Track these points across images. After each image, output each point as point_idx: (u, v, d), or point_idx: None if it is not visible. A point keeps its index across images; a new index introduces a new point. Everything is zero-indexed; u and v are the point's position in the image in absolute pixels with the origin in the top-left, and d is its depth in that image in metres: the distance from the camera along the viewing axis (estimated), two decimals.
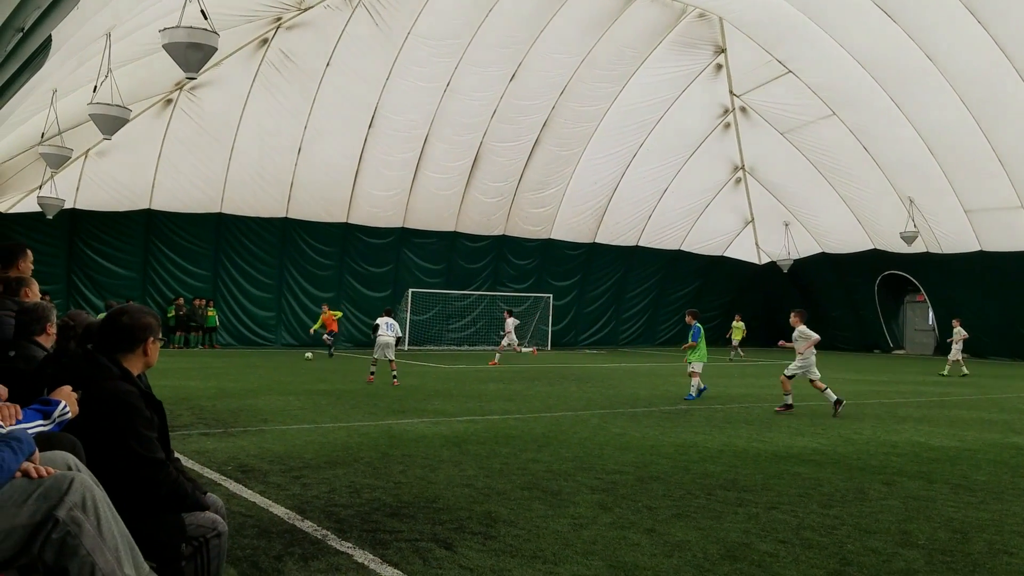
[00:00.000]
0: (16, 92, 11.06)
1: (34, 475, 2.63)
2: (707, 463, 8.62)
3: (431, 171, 29.97)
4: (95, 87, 15.73)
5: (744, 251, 39.55)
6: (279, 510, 6.26)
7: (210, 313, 28.41)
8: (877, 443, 10.32)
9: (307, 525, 5.85)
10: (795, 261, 37.39)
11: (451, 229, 32.15)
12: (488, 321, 33.76)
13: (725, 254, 39.20)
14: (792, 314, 14.49)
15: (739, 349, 30.89)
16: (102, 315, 5.23)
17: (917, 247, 32.57)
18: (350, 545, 5.39)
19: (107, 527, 2.65)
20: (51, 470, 2.68)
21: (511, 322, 25.51)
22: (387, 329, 17.07)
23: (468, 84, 27.95)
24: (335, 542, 5.45)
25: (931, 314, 36.37)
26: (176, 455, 3.89)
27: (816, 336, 13.95)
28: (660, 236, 36.81)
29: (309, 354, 24.46)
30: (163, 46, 12.12)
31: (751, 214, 38.13)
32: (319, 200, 29.11)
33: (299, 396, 14.09)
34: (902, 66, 26.26)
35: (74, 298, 26.08)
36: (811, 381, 13.66)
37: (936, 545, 5.73)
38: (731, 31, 29.73)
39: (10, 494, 2.56)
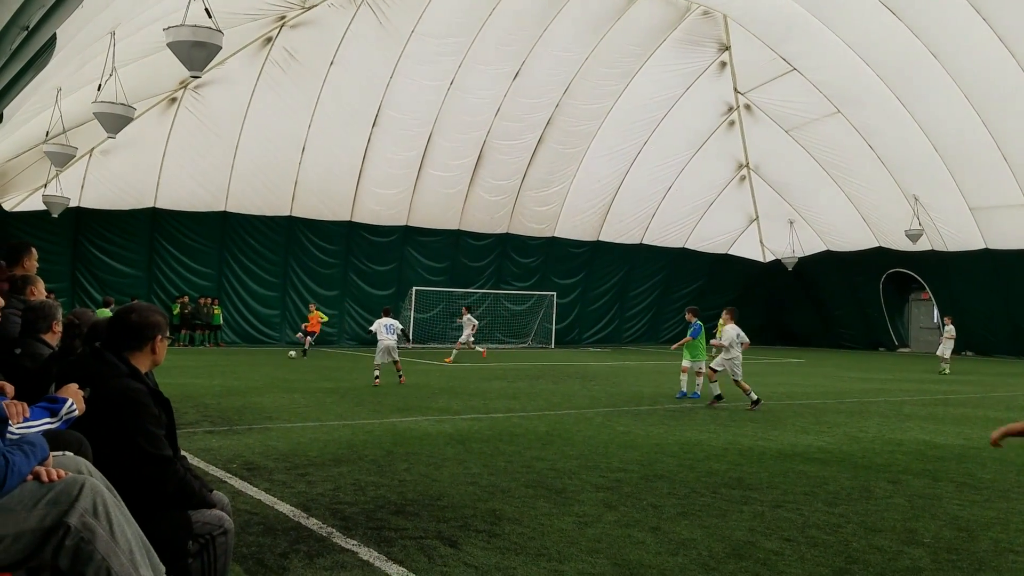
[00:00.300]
0: (21, 91, 11.07)
1: (45, 479, 2.64)
2: (712, 461, 8.61)
3: (435, 169, 29.97)
4: (99, 86, 15.75)
5: (749, 249, 39.50)
6: (284, 508, 6.27)
7: (215, 311, 28.47)
8: (883, 441, 10.30)
9: (312, 523, 5.86)
10: (800, 259, 37.34)
11: (455, 227, 32.15)
12: (492, 319, 33.75)
13: (729, 252, 39.15)
14: (724, 312, 14.33)
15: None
16: (101, 311, 5.22)
17: (922, 245, 32.50)
18: (355, 543, 5.39)
19: (120, 530, 2.65)
20: (63, 473, 2.68)
21: (468, 318, 25.07)
22: (387, 332, 16.45)
23: (472, 82, 27.93)
24: (340, 540, 5.46)
25: (936, 312, 36.30)
26: (183, 453, 3.89)
27: (726, 343, 13.69)
28: (664, 234, 36.76)
29: (292, 352, 23.80)
30: (167, 45, 12.13)
31: (756, 212, 38.08)
32: (323, 198, 29.13)
33: (304, 394, 14.11)
34: (907, 63, 26.19)
35: (79, 296, 26.14)
36: (735, 380, 13.61)
37: (942, 543, 5.72)
38: (735, 28, 29.67)
39: (20, 497, 2.57)
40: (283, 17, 24.18)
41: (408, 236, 31.48)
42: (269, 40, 24.72)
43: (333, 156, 28.08)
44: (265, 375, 17.75)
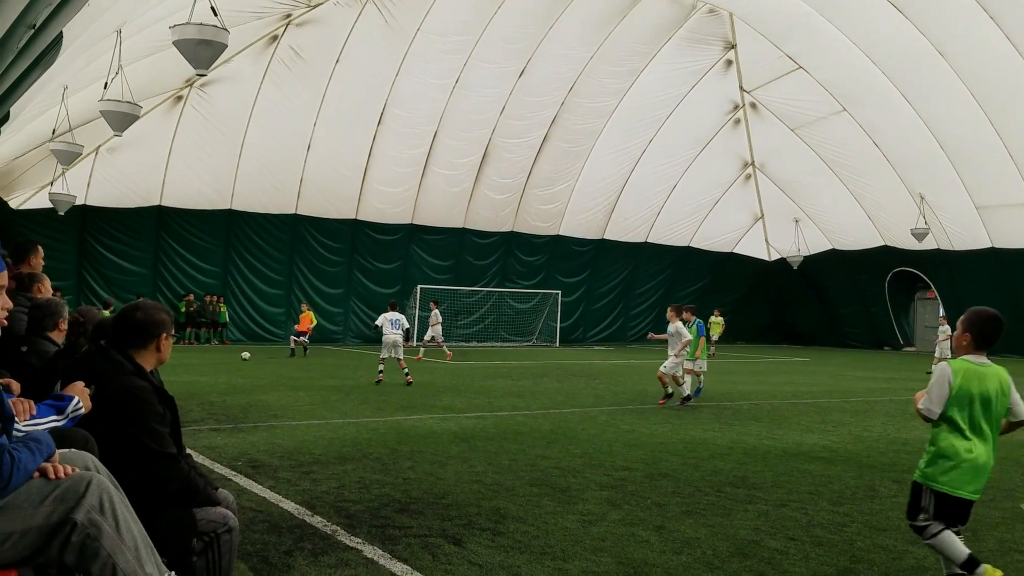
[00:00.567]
0: (27, 89, 11.10)
1: (52, 475, 2.65)
2: (717, 460, 8.61)
3: (440, 167, 29.98)
4: (106, 84, 15.79)
5: (754, 248, 39.43)
6: (289, 505, 6.29)
7: (221, 309, 28.54)
8: (887, 440, 10.29)
9: (317, 520, 5.87)
10: (805, 258, 37.25)
11: (460, 225, 32.16)
12: (497, 317, 33.78)
13: (735, 251, 39.09)
14: (669, 309, 14.12)
15: (713, 347, 29.16)
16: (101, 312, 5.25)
17: (928, 244, 32.42)
18: (359, 540, 5.40)
19: (126, 527, 2.67)
20: (69, 470, 2.69)
21: (436, 314, 24.67)
22: (392, 327, 16.07)
23: (477, 80, 27.92)
24: (345, 537, 5.47)
25: (942, 311, 36.20)
26: (187, 451, 3.91)
27: (689, 338, 13.69)
28: (669, 232, 36.72)
29: (246, 354, 21.80)
30: (173, 43, 12.16)
31: (761, 210, 38.01)
32: (328, 196, 29.15)
33: (308, 392, 14.13)
34: (913, 61, 26.10)
35: (85, 294, 26.22)
36: (673, 377, 13.61)
37: None
38: (741, 27, 29.62)
39: (27, 494, 2.58)
40: (289, 15, 24.20)
41: (413, 234, 31.50)
42: (275, 38, 24.74)
43: (338, 154, 28.10)
44: (270, 373, 17.79)
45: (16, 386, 3.70)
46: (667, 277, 37.58)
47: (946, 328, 24.26)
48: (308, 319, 25.25)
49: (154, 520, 3.18)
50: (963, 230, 31.71)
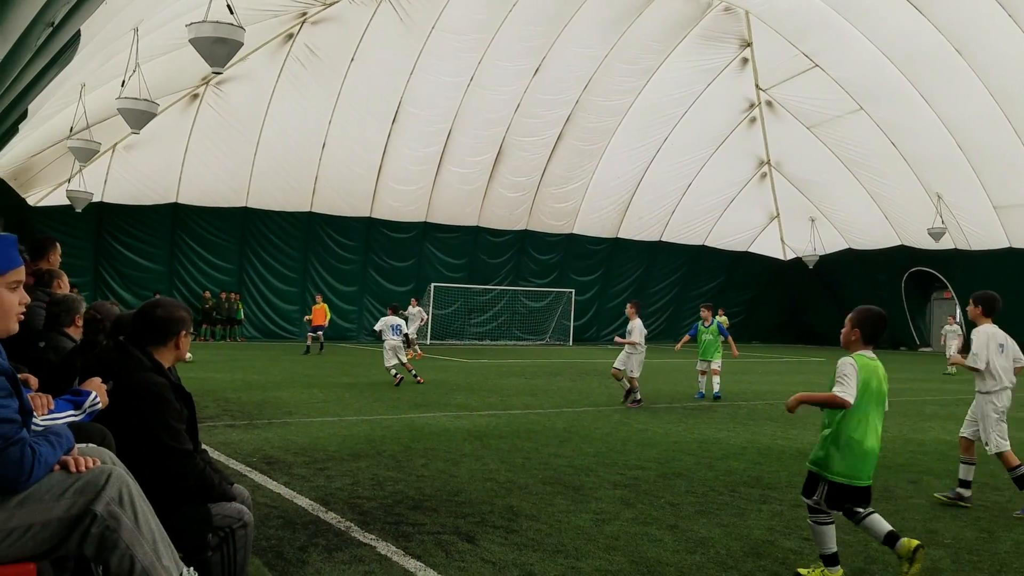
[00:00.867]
0: (45, 86, 11.20)
1: (72, 468, 2.68)
2: (731, 460, 8.58)
3: (454, 166, 30.01)
4: (123, 81, 15.89)
5: (769, 246, 39.27)
6: (303, 501, 6.31)
7: (238, 306, 28.71)
8: (903, 441, 10.22)
9: (331, 517, 5.89)
10: (821, 257, 37.07)
11: (474, 224, 32.19)
12: (510, 316, 33.79)
13: (750, 249, 38.94)
14: (628, 305, 13.70)
15: None
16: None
17: (945, 243, 32.18)
18: (373, 537, 5.42)
19: (144, 521, 2.69)
20: (90, 463, 2.72)
21: (418, 311, 24.10)
22: (393, 333, 15.76)
23: (492, 78, 27.92)
24: (358, 534, 5.48)
25: (958, 312, 35.90)
26: (203, 446, 3.93)
27: (637, 339, 13.19)
28: (684, 231, 36.62)
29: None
30: (190, 41, 12.23)
31: (776, 209, 37.84)
32: (343, 194, 29.25)
33: (322, 389, 14.19)
34: (930, 59, 25.92)
35: (101, 291, 26.41)
36: (628, 377, 13.15)
37: (962, 544, 5.67)
38: (757, 25, 29.49)
39: (48, 487, 2.61)
40: (304, 13, 24.29)
41: (427, 232, 31.56)
42: (290, 36, 24.84)
43: (353, 152, 28.18)
44: (284, 370, 17.86)
45: (34, 381, 3.73)
46: (681, 276, 37.49)
47: (955, 328, 24.02)
48: (323, 312, 25.19)
49: (170, 515, 3.20)
50: (980, 230, 31.46)
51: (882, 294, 37.16)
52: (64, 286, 5.80)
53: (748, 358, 27.15)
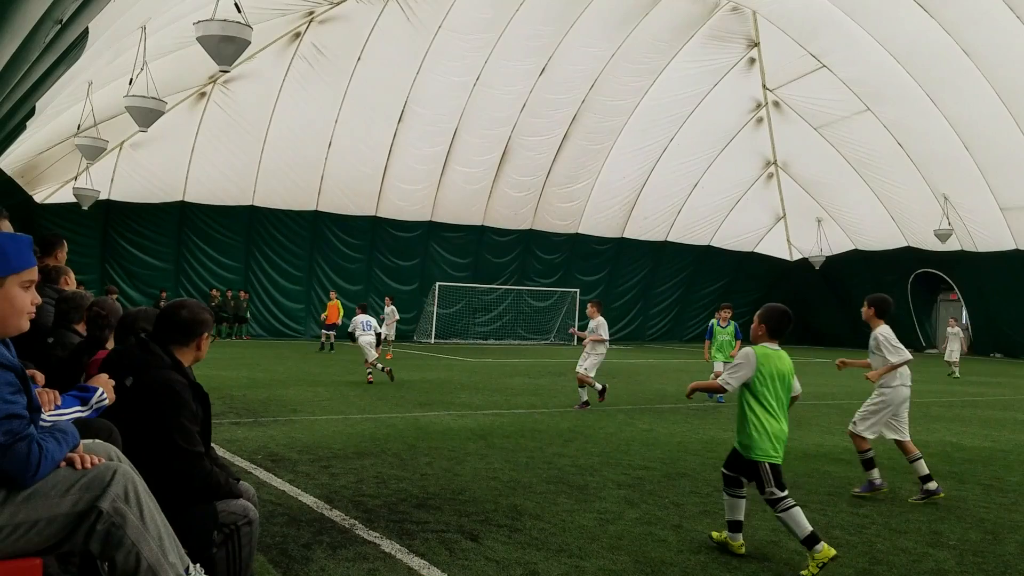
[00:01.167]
0: (53, 83, 11.23)
1: (79, 465, 2.70)
2: None
3: (460, 165, 30.01)
4: (131, 79, 15.93)
5: (775, 247, 39.17)
6: (308, 499, 6.33)
7: (247, 305, 28.79)
8: None
9: (335, 514, 5.91)
10: (827, 258, 36.98)
11: (479, 223, 32.19)
12: (515, 315, 33.78)
13: (756, 250, 38.85)
14: (589, 304, 13.38)
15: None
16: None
17: (951, 245, 32.07)
18: (377, 535, 5.43)
19: (150, 517, 2.71)
20: (96, 460, 2.74)
21: (392, 310, 23.72)
22: (364, 328, 16.04)
23: (498, 78, 27.90)
24: (363, 531, 5.50)
25: (965, 313, 35.82)
26: (212, 445, 3.94)
27: (605, 336, 13.02)
28: (689, 231, 36.55)
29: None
30: (197, 39, 12.26)
31: (783, 210, 37.75)
32: (349, 193, 29.28)
33: (327, 387, 14.21)
34: (938, 60, 25.84)
35: (111, 285, 26.46)
36: (581, 373, 12.77)
37: (967, 546, 5.66)
38: (764, 25, 29.42)
39: (54, 482, 2.63)
40: (311, 12, 24.31)
41: (432, 231, 31.57)
42: (297, 35, 24.86)
43: (359, 151, 28.20)
44: (290, 368, 17.90)
45: (40, 377, 3.75)
46: (687, 276, 37.43)
47: (957, 331, 23.90)
48: (336, 310, 25.23)
49: (176, 513, 3.22)
50: (987, 231, 31.37)
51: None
52: (71, 282, 5.82)
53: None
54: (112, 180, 25.74)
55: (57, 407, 2.99)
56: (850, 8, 25.54)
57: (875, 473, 7.19)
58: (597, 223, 34.35)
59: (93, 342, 4.85)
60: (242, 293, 28.68)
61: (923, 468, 7.10)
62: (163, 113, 16.91)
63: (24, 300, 2.64)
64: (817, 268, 37.20)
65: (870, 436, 7.31)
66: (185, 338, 3.72)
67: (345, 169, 28.49)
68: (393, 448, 8.58)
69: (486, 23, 26.25)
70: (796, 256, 39.30)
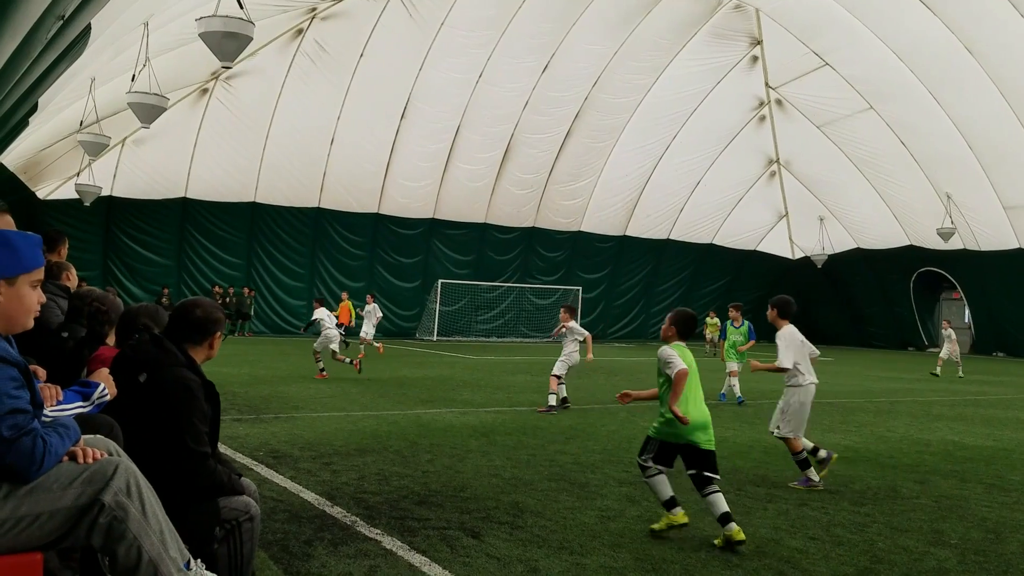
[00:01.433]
0: (55, 80, 11.24)
1: (81, 459, 2.71)
2: (736, 458, 8.57)
3: (462, 162, 30.00)
4: (133, 76, 15.93)
5: (777, 245, 39.14)
6: (309, 496, 6.33)
7: (251, 302, 28.82)
8: (910, 441, 10.19)
9: (337, 511, 5.91)
10: (829, 256, 36.94)
11: (481, 220, 32.18)
12: (517, 313, 33.78)
13: (758, 248, 38.83)
14: (563, 310, 13.24)
15: (710, 346, 28.60)
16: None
17: (954, 244, 32.05)
18: (378, 532, 5.43)
19: (151, 511, 2.72)
20: (98, 454, 2.75)
21: (373, 307, 22.97)
22: (330, 320, 16.36)
23: (501, 75, 27.89)
24: (364, 528, 5.50)
25: (967, 312, 35.79)
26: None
27: (587, 335, 12.86)
28: (692, 229, 36.53)
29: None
30: (199, 35, 12.26)
31: (785, 208, 37.72)
32: (351, 190, 29.28)
33: (329, 384, 14.22)
34: (941, 59, 25.81)
35: (110, 285, 26.49)
36: (555, 375, 12.42)
37: (969, 545, 5.65)
38: (767, 23, 29.38)
39: (56, 476, 2.64)
40: (314, 9, 24.30)
41: (434, 229, 31.57)
42: (300, 32, 24.86)
43: (361, 148, 28.20)
44: (292, 365, 17.91)
45: (42, 372, 3.76)
46: (689, 274, 37.42)
47: (949, 332, 23.83)
48: (347, 310, 25.17)
49: (179, 510, 3.21)
50: (990, 230, 31.33)
51: (891, 294, 37.06)
52: (72, 278, 5.82)
53: (755, 358, 27.07)
54: (114, 176, 25.75)
55: (59, 402, 2.99)
56: (853, 6, 25.51)
57: (812, 472, 7.32)
58: (599, 221, 34.34)
59: (93, 338, 4.84)
60: (246, 289, 28.69)
61: (809, 461, 7.34)
62: (165, 109, 16.92)
63: (33, 299, 2.68)
64: (819, 267, 37.18)
65: (795, 435, 7.44)
66: (199, 337, 3.74)
67: (347, 166, 28.48)
68: (395, 445, 8.58)
69: (489, 20, 26.23)
70: (798, 255, 39.27)
